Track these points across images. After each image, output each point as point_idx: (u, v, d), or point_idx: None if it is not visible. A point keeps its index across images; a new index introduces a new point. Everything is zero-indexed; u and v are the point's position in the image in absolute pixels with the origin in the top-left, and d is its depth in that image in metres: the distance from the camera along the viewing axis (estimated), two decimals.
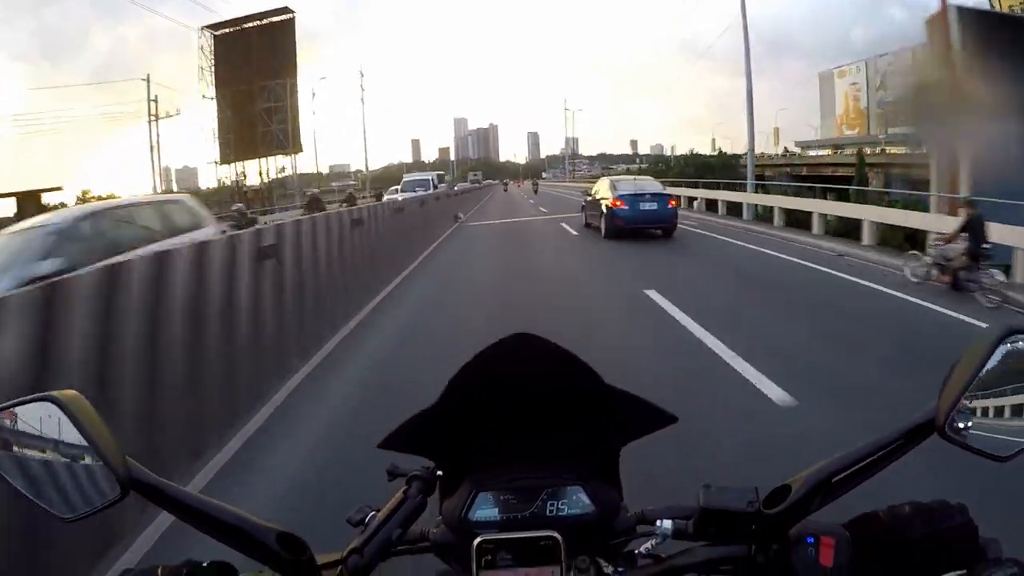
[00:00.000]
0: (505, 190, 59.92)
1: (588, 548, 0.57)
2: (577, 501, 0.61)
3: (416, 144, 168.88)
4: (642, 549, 0.62)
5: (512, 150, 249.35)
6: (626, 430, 0.65)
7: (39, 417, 0.55)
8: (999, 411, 0.51)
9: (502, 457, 0.63)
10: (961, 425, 0.51)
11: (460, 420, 0.63)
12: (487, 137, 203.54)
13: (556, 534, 0.52)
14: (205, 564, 0.57)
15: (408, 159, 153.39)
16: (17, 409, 0.55)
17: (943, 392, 0.50)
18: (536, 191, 40.19)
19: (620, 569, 0.59)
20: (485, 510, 0.61)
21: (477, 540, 0.52)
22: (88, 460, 0.54)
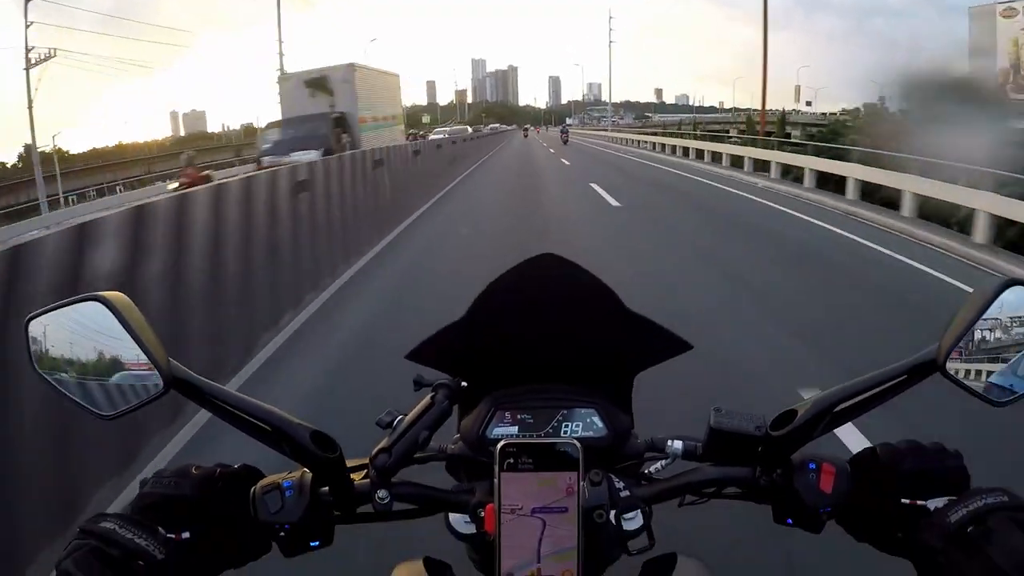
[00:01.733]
0: (525, 136, 55.92)
1: (601, 467, 0.60)
2: (591, 424, 0.65)
3: (431, 86, 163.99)
4: (652, 468, 0.66)
5: (532, 95, 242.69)
6: (642, 356, 0.68)
7: (85, 317, 0.57)
8: (996, 358, 0.55)
9: (521, 376, 0.67)
10: (961, 367, 0.54)
11: (483, 337, 0.66)
12: (506, 80, 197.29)
13: (576, 443, 0.55)
14: (236, 466, 0.61)
15: (423, 101, 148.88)
16: (64, 309, 0.57)
17: (945, 333, 0.54)
18: (566, 141, 34.88)
19: (629, 485, 0.62)
20: (502, 427, 0.65)
21: (501, 443, 0.55)
22: (132, 360, 0.56)
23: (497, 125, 68.98)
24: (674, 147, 23.55)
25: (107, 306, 0.55)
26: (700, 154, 20.58)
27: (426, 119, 69.52)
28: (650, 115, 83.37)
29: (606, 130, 47.34)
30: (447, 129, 33.64)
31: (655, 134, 34.33)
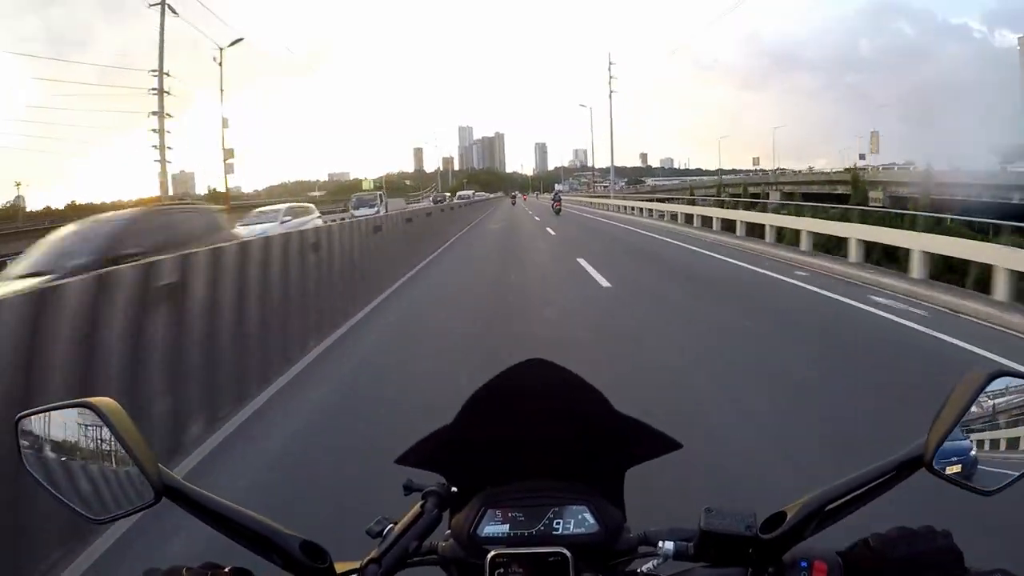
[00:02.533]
0: (513, 204, 52.34)
1: (592, 567, 0.61)
2: (582, 520, 0.65)
3: (419, 153, 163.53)
4: (643, 569, 0.65)
5: (519, 161, 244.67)
6: (632, 454, 0.69)
7: (75, 422, 0.58)
8: (984, 447, 0.56)
9: (511, 475, 0.68)
10: (948, 460, 0.55)
11: (473, 441, 0.67)
12: (492, 146, 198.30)
13: (566, 551, 0.56)
14: (227, 570, 0.60)
15: (410, 168, 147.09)
16: (53, 413, 0.59)
17: (932, 428, 0.55)
18: (559, 211, 29.49)
19: None
20: (493, 526, 0.64)
21: (491, 554, 0.56)
22: (122, 465, 0.56)
23: (469, 193, 53.19)
24: (709, 220, 17.00)
25: (97, 413, 0.56)
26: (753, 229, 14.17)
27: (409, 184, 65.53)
28: (644, 180, 79.60)
29: (605, 197, 41.06)
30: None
31: (665, 200, 30.68)
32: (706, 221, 17.27)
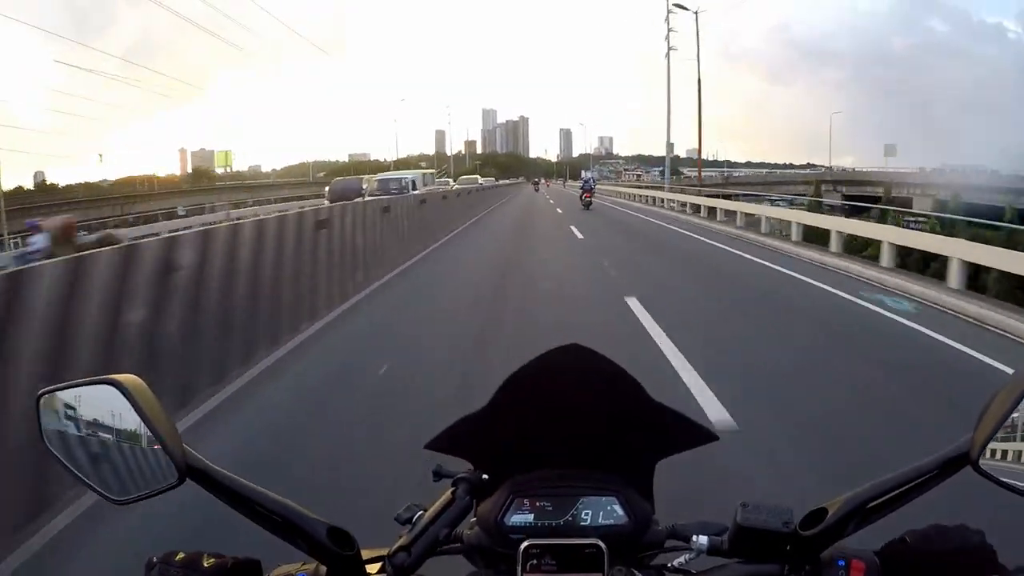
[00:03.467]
0: (536, 190, 49.45)
1: (621, 560, 0.60)
2: (611, 512, 0.64)
3: (441, 135, 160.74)
4: (674, 563, 0.64)
5: (543, 146, 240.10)
6: (665, 445, 0.68)
7: (98, 399, 0.57)
8: None
9: (541, 464, 0.67)
10: (994, 460, 0.53)
11: (505, 426, 0.66)
12: (516, 131, 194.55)
13: (601, 543, 0.55)
14: (249, 558, 0.60)
15: (431, 151, 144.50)
16: (77, 390, 0.58)
17: (978, 426, 0.53)
18: (589, 204, 22.46)
19: None
20: (521, 515, 0.64)
21: (524, 544, 0.56)
22: (144, 445, 0.56)
23: (475, 179, 38.39)
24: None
25: (121, 391, 0.55)
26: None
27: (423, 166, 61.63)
28: (683, 170, 75.25)
29: (656, 188, 31.78)
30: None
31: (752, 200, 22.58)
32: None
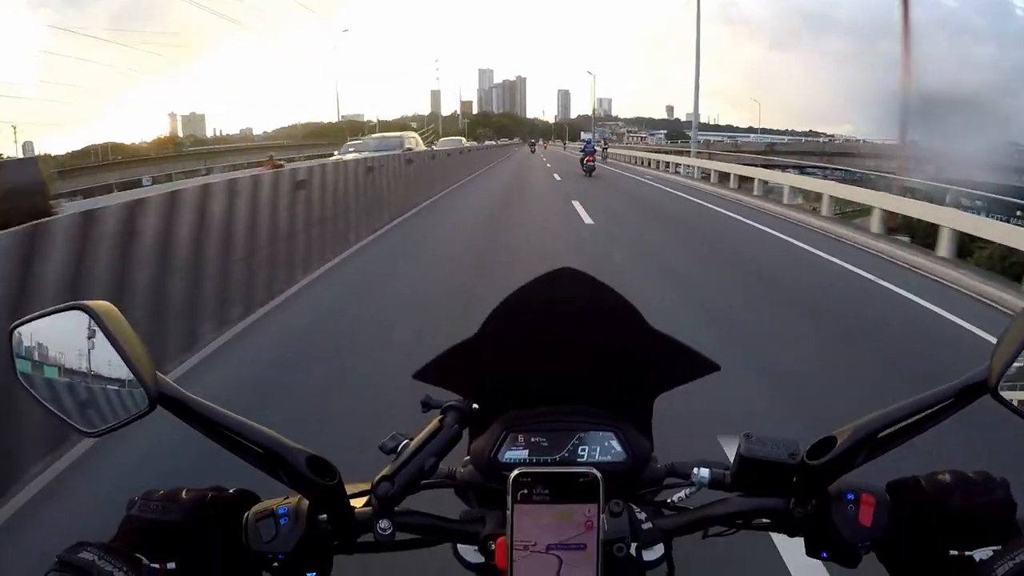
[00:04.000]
0: (532, 151, 46.76)
1: (619, 494, 0.58)
2: (609, 447, 0.62)
3: (436, 95, 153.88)
4: (675, 498, 0.63)
5: (540, 107, 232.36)
6: (665, 377, 0.65)
7: (69, 327, 0.55)
8: None
9: (536, 397, 0.64)
10: (1014, 386, 0.51)
11: (496, 356, 0.63)
12: (513, 91, 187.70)
13: (596, 472, 0.53)
14: (231, 490, 0.59)
15: (426, 111, 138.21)
16: (47, 319, 0.56)
17: (996, 352, 0.51)
18: (592, 169, 19.78)
19: (652, 515, 0.60)
20: (515, 451, 0.62)
21: (515, 472, 0.53)
22: (117, 373, 0.54)
23: (458, 141, 31.66)
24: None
25: (91, 315, 0.53)
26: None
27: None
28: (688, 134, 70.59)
29: (678, 154, 28.09)
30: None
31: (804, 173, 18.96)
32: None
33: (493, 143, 49.60)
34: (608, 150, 26.68)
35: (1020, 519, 0.52)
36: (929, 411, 0.53)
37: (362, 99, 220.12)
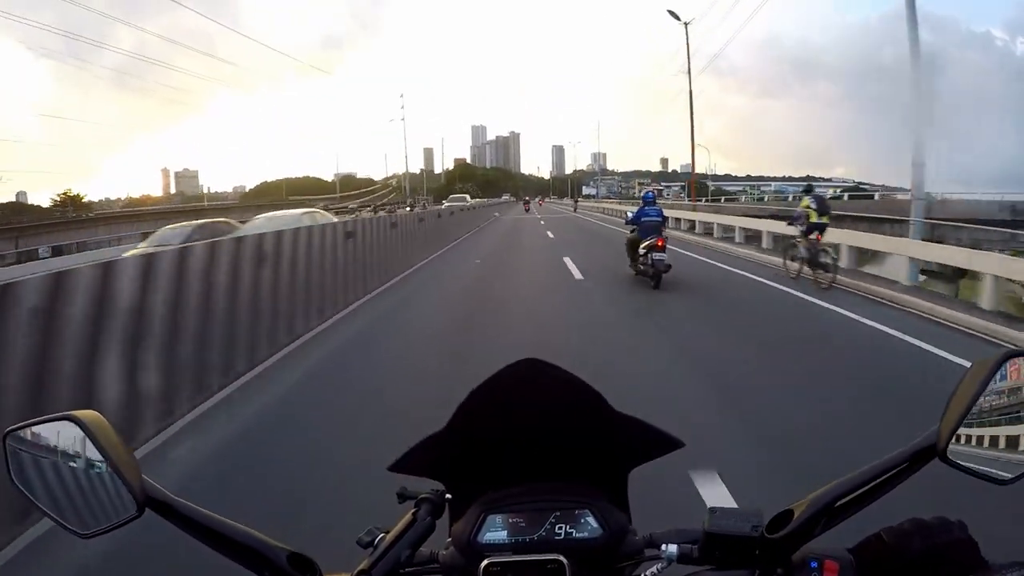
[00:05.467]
0: (526, 211, 39.71)
1: (595, 571, 0.60)
2: (585, 524, 0.64)
3: (429, 153, 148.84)
4: (647, 574, 0.64)
5: (535, 164, 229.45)
6: (633, 454, 0.68)
7: (60, 435, 0.59)
8: (999, 435, 0.54)
9: (511, 480, 0.67)
10: (962, 449, 0.53)
11: (469, 444, 0.66)
12: (507, 146, 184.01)
13: (562, 558, 0.56)
14: None
15: (419, 169, 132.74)
16: (38, 428, 0.60)
17: (944, 416, 0.53)
18: (663, 274, 8.15)
19: None
20: (494, 532, 0.64)
21: (484, 563, 0.56)
22: (105, 478, 0.58)
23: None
24: None
25: (80, 426, 0.57)
26: None
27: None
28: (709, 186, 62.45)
29: (710, 210, 22.89)
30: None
31: None
32: None
33: (467, 204, 31.57)
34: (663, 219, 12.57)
35: (986, 557, 0.54)
36: (883, 478, 0.55)
37: (354, 157, 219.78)
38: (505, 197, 67.91)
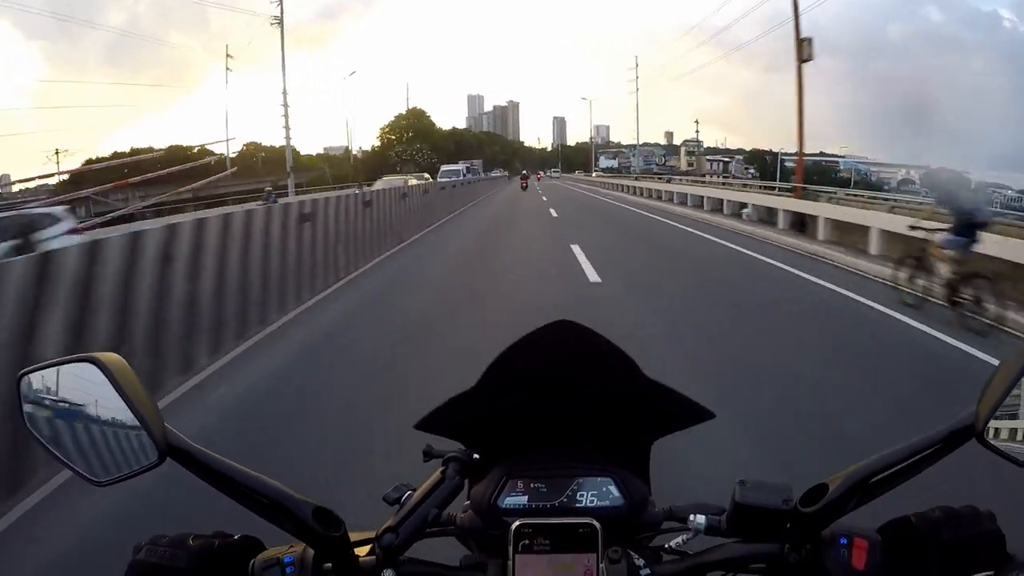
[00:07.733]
0: (524, 188, 35.53)
1: (617, 540, 0.60)
2: (607, 493, 0.64)
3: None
4: (672, 544, 0.65)
5: (535, 134, 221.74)
6: (661, 424, 0.68)
7: (78, 378, 0.57)
8: None
9: (535, 444, 0.67)
10: (999, 432, 0.54)
11: (496, 405, 0.66)
12: (505, 117, 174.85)
13: (595, 522, 0.56)
14: (236, 537, 0.61)
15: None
16: (56, 368, 0.58)
17: (982, 398, 0.54)
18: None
19: (649, 562, 0.62)
20: (515, 497, 0.64)
21: (515, 524, 0.56)
22: (125, 424, 0.56)
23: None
24: None
25: (101, 368, 0.55)
26: None
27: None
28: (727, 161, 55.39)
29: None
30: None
31: None
32: None
33: (424, 180, 22.32)
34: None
35: (1011, 550, 0.55)
36: (918, 456, 0.55)
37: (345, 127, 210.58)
38: (497, 172, 51.43)
